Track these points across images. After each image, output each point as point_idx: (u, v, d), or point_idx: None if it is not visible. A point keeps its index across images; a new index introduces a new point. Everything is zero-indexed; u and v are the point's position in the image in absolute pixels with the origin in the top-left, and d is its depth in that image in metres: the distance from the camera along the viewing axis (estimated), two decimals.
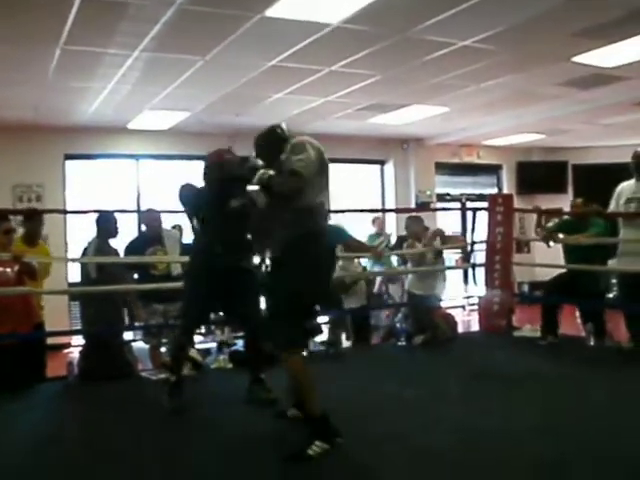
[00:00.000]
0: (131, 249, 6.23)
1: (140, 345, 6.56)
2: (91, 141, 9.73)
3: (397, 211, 11.76)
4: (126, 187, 10.38)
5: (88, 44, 5.82)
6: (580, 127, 10.69)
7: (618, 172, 6.26)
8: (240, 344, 6.75)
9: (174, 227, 8.60)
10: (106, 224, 6.14)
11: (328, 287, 4.00)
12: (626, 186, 6.12)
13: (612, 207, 6.22)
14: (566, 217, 7.04)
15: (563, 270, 6.80)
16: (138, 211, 10.14)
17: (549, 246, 6.90)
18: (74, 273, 7.24)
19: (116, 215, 6.27)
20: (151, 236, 6.34)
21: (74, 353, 6.50)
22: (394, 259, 8.65)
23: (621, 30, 5.87)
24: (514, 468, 3.31)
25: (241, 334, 7.64)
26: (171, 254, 6.30)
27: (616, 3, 5.30)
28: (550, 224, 7.04)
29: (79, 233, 8.37)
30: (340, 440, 3.50)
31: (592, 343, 6.41)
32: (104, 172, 10.35)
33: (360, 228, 9.26)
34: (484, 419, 4.10)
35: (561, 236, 6.72)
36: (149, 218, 6.48)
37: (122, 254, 6.24)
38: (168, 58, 6.30)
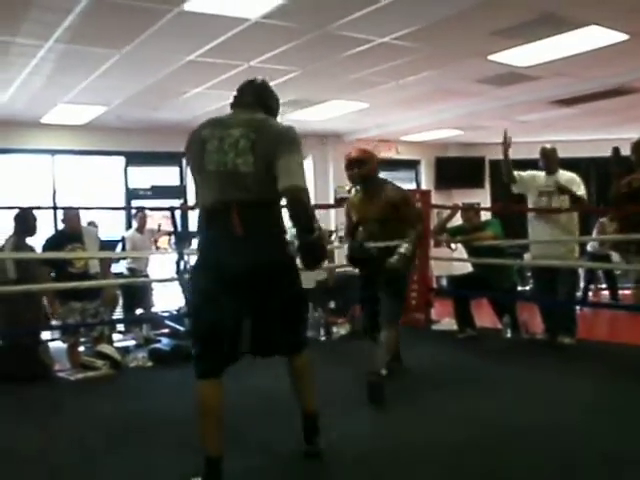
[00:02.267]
0: (49, 246, 6.08)
1: (58, 345, 6.42)
2: (2, 135, 9.41)
3: (317, 207, 11.77)
4: (42, 183, 10.08)
5: None
6: (497, 123, 10.90)
7: (534, 167, 6.45)
8: (163, 342, 6.71)
9: (90, 223, 8.45)
10: (24, 221, 5.98)
11: None
12: (539, 176, 6.31)
13: (521, 188, 6.43)
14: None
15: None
16: (54, 208, 9.90)
17: (451, 249, 7.10)
18: None
19: (34, 213, 6.12)
20: (70, 233, 6.20)
21: None
22: None
23: (534, 32, 6.06)
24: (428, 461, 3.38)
25: (162, 331, 7.62)
26: (90, 251, 6.18)
27: (529, 6, 5.47)
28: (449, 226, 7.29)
29: None
30: None
31: (509, 335, 6.60)
32: (18, 168, 10.02)
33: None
34: (406, 413, 4.18)
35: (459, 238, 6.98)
36: (68, 215, 6.33)
37: (39, 251, 6.08)
38: (83, 50, 6.14)
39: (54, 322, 6.31)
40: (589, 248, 10.14)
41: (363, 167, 4.86)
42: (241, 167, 2.89)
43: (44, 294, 6.08)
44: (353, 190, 5.23)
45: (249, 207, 2.91)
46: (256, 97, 3.18)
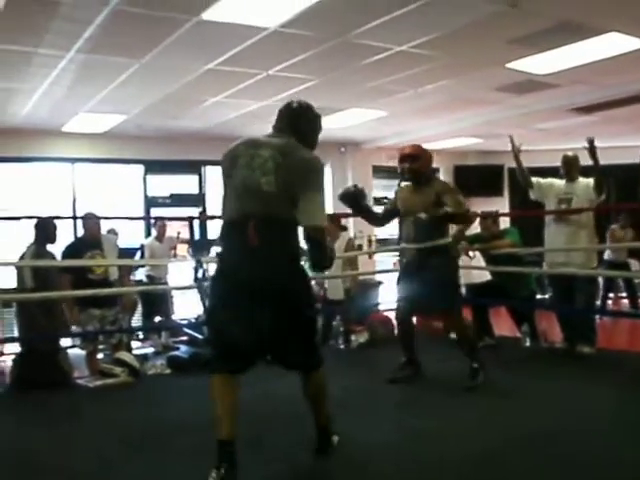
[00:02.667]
0: (68, 253, 6.13)
1: (77, 352, 6.46)
2: (24, 144, 9.48)
3: (335, 216, 11.76)
4: (61, 191, 10.16)
5: (17, 43, 5.64)
6: (515, 131, 10.83)
7: (553, 175, 6.43)
8: (182, 349, 6.73)
9: (109, 231, 8.51)
10: (44, 229, 6.06)
11: None
12: (557, 183, 6.28)
13: (538, 194, 6.41)
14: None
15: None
16: (74, 216, 9.98)
17: (469, 257, 7.08)
18: (5, 279, 7.04)
19: (55, 221, 6.20)
20: (89, 240, 6.26)
21: (6, 362, 6.33)
22: None
23: (552, 39, 6.02)
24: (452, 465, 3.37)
25: (181, 339, 7.64)
26: (109, 258, 6.22)
27: (547, 14, 5.43)
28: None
29: (11, 239, 8.17)
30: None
31: (527, 344, 6.56)
32: (39, 176, 10.11)
33: None
34: (423, 421, 4.17)
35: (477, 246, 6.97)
36: (88, 223, 6.39)
37: (59, 258, 6.14)
38: (104, 60, 6.19)
39: (73, 329, 6.36)
40: (606, 256, 10.08)
41: (415, 162, 5.00)
42: (264, 186, 3.13)
43: (63, 301, 6.13)
44: (402, 184, 5.34)
45: (265, 222, 3.12)
46: (289, 123, 3.39)
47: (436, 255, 4.92)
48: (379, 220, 5.52)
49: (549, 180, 6.36)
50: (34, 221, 6.20)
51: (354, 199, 4.91)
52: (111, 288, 6.20)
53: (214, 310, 3.41)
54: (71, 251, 6.17)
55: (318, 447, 3.53)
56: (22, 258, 6.06)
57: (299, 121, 3.42)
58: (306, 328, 3.37)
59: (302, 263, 3.36)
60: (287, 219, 3.17)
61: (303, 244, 3.27)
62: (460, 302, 5.27)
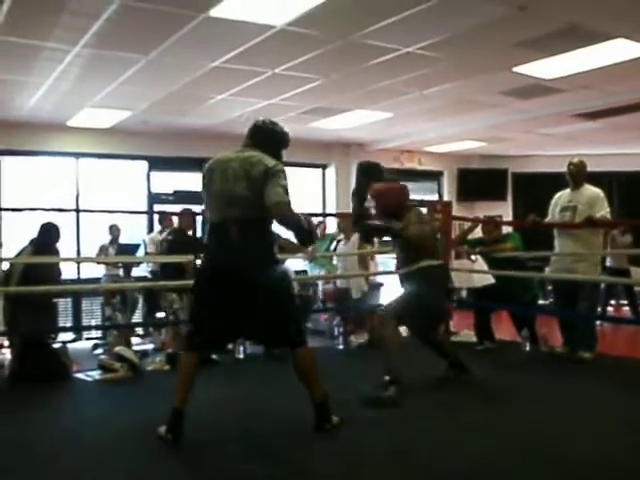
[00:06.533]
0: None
1: (76, 346, 6.47)
2: (29, 137, 9.48)
3: (338, 215, 11.78)
4: (65, 186, 10.16)
5: (25, 36, 5.67)
6: (520, 136, 10.91)
7: (557, 181, 6.42)
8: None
9: (111, 227, 8.56)
10: (46, 235, 6.13)
11: None
12: (562, 195, 6.29)
13: (549, 217, 6.37)
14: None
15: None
16: (77, 210, 9.98)
17: (471, 260, 7.08)
18: None
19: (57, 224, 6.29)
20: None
21: (6, 355, 6.34)
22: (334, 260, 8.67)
23: (559, 44, 6.03)
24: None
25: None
26: None
27: (555, 18, 5.44)
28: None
29: (15, 232, 8.19)
30: None
31: (527, 348, 6.56)
32: (42, 170, 10.11)
33: None
34: (421, 421, 4.17)
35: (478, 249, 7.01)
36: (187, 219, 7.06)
37: None
38: (110, 55, 6.21)
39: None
40: (607, 263, 10.06)
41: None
42: (238, 191, 3.75)
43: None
44: None
45: (242, 221, 3.75)
46: (253, 139, 3.96)
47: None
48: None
49: (554, 199, 6.35)
50: (36, 215, 6.21)
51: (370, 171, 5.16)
52: None
53: (196, 297, 4.04)
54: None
55: (315, 425, 3.87)
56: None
57: (264, 136, 3.96)
58: (281, 309, 3.83)
59: (277, 254, 3.99)
60: (260, 218, 3.78)
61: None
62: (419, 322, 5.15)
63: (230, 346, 6.28)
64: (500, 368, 5.84)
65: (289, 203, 3.74)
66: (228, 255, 3.78)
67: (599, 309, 9.71)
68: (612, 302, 10.92)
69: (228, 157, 3.90)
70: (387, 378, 4.65)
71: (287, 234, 4.57)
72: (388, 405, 4.46)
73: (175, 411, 3.74)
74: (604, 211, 5.95)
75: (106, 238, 8.88)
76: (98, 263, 6.80)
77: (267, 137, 3.97)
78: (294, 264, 9.09)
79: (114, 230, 8.89)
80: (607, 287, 10.28)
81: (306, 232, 3.90)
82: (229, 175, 3.79)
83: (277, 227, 3.94)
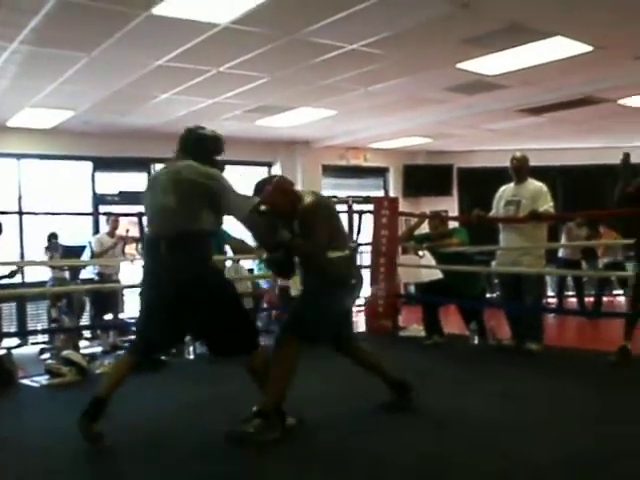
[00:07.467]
0: None
1: (22, 351, 6.34)
2: None
3: None
4: (7, 187, 9.91)
5: None
6: (465, 132, 11.03)
7: (501, 176, 6.50)
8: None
9: (51, 235, 8.43)
10: None
11: None
12: (506, 189, 6.37)
13: (493, 211, 6.46)
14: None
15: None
16: (20, 212, 9.76)
17: (418, 256, 7.15)
18: None
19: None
20: None
21: None
22: None
23: (502, 41, 6.12)
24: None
25: (129, 338, 7.54)
26: None
27: (497, 16, 5.53)
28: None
29: None
30: None
31: (476, 341, 6.65)
32: None
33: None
34: (370, 417, 4.19)
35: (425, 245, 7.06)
36: None
37: None
38: (50, 53, 6.07)
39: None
40: (560, 254, 10.24)
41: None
42: (165, 203, 3.69)
43: None
44: None
45: (172, 236, 3.65)
46: (185, 147, 3.89)
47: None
48: None
49: (497, 195, 6.43)
50: None
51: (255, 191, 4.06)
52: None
53: (140, 304, 4.09)
54: None
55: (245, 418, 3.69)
56: None
57: (193, 144, 3.87)
58: (222, 321, 3.73)
59: (213, 264, 3.99)
60: (189, 230, 3.66)
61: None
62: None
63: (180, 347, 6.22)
64: (448, 361, 5.91)
65: (256, 206, 3.69)
66: (159, 268, 3.74)
67: (555, 300, 9.97)
68: (605, 293, 10.80)
69: (161, 169, 3.97)
70: (255, 408, 3.73)
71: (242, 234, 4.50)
72: (247, 443, 3.61)
73: (95, 399, 3.68)
74: (547, 205, 6.06)
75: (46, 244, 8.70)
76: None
77: (196, 145, 3.87)
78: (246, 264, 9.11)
79: (52, 239, 8.69)
80: (559, 279, 10.48)
81: (262, 239, 3.98)
82: (159, 187, 3.77)
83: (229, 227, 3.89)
